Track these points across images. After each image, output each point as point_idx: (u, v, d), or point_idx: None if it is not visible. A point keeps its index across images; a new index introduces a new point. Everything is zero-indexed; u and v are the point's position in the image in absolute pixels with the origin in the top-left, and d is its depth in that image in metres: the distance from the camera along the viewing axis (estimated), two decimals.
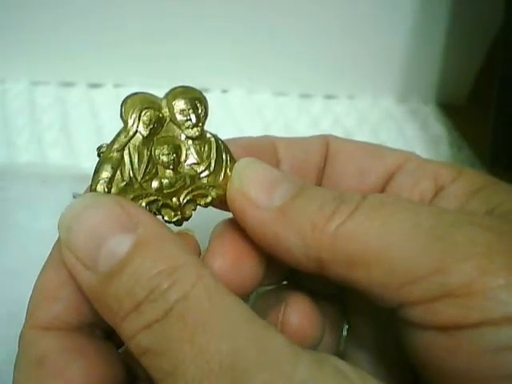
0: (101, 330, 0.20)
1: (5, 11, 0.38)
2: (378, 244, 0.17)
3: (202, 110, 0.21)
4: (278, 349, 0.16)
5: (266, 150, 0.23)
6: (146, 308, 0.16)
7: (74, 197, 0.33)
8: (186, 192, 0.20)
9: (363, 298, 0.19)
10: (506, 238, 0.17)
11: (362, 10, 0.42)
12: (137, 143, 0.20)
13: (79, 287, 0.18)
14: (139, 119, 0.20)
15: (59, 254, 0.19)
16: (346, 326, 0.25)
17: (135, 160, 0.20)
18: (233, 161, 0.21)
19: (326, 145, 0.24)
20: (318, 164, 0.24)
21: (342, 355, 0.25)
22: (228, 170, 0.21)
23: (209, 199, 0.21)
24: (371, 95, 0.48)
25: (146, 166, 0.20)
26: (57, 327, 0.19)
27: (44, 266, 0.20)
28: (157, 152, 0.20)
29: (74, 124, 0.38)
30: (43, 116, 0.38)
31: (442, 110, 0.50)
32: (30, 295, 0.20)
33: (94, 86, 0.41)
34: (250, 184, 0.20)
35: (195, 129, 0.20)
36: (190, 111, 0.21)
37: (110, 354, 0.19)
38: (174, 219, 0.20)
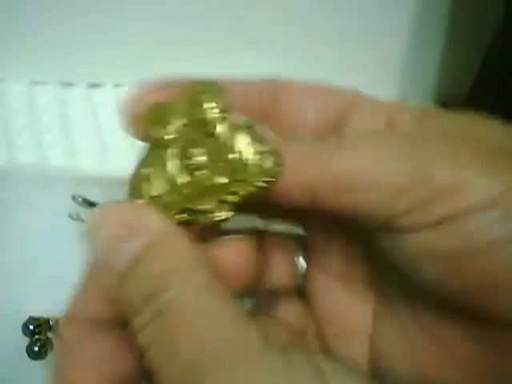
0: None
1: (4, 11, 0.38)
2: (367, 166, 0.20)
3: (221, 106, 0.21)
4: (253, 350, 0.17)
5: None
6: (141, 310, 0.18)
7: (74, 198, 0.33)
8: (218, 193, 0.20)
9: (328, 224, 0.22)
10: (468, 143, 0.20)
11: (362, 10, 0.42)
12: (165, 151, 0.20)
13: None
14: (165, 127, 0.20)
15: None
16: (301, 258, 0.26)
17: (167, 168, 0.20)
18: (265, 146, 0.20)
19: (276, 87, 0.25)
20: (269, 106, 0.25)
21: (301, 289, 0.26)
22: (255, 161, 0.20)
23: (237, 197, 0.20)
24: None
25: (178, 173, 0.20)
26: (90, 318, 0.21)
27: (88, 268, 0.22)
28: (186, 156, 0.20)
29: (74, 124, 0.38)
30: (43, 116, 0.38)
31: None
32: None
33: (94, 85, 0.41)
34: None
35: (220, 126, 0.20)
36: (212, 109, 0.21)
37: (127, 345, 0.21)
38: (211, 221, 0.20)
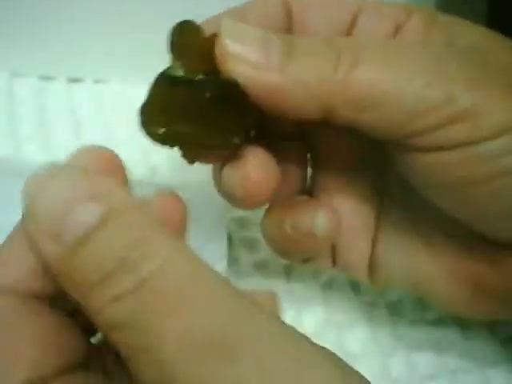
0: (61, 308, 0.19)
1: None
2: (387, 85, 0.20)
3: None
4: (263, 324, 0.16)
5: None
6: (116, 279, 0.16)
7: None
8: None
9: (338, 133, 0.22)
10: (488, 68, 0.21)
11: None
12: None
13: (43, 261, 0.17)
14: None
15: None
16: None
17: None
18: None
19: (285, 11, 0.25)
20: (282, 25, 0.25)
21: (310, 191, 0.28)
22: None
23: None
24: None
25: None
26: (14, 291, 0.18)
27: (9, 234, 0.19)
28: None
29: (52, 118, 0.37)
30: (21, 109, 0.37)
31: None
32: None
33: (74, 80, 0.40)
34: (246, 46, 0.20)
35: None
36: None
37: (70, 327, 0.19)
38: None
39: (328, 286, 0.33)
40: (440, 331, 0.32)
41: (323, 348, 0.16)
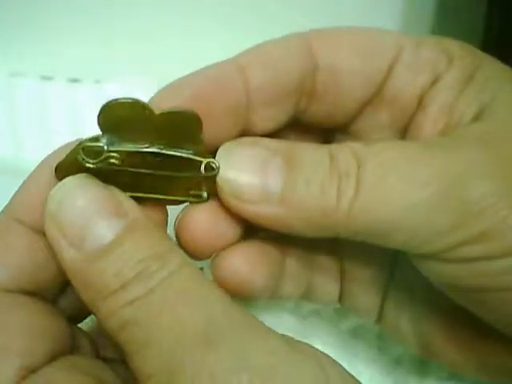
0: (44, 299, 0.21)
1: None
2: (390, 216, 0.19)
3: None
4: (252, 326, 0.18)
5: (229, 83, 0.22)
6: (133, 286, 0.17)
7: None
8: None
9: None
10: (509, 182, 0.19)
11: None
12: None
13: (59, 263, 0.19)
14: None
15: (5, 223, 0.20)
16: None
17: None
18: None
19: (308, 54, 0.23)
20: (298, 80, 0.22)
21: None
22: None
23: None
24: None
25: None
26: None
27: None
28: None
29: (52, 119, 0.37)
30: (21, 109, 0.38)
31: None
32: None
33: (74, 80, 0.40)
34: (243, 179, 0.20)
35: None
36: None
37: (54, 315, 0.20)
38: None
39: None
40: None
41: (305, 347, 0.18)
